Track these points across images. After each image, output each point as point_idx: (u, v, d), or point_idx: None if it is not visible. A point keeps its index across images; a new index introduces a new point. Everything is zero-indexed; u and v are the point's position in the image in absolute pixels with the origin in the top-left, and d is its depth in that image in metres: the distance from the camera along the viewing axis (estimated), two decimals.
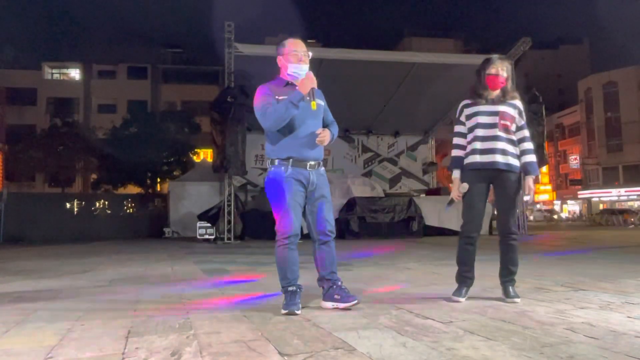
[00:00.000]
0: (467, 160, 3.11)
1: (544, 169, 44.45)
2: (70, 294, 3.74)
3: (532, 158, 3.03)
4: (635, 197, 40.70)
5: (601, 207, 41.93)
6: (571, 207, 50.52)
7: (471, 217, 3.09)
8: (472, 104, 3.13)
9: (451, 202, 3.18)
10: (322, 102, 3.01)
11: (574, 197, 47.23)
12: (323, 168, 3.00)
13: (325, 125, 3.02)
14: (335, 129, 3.09)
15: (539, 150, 14.25)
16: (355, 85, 13.64)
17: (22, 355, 2.02)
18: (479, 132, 3.06)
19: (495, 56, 3.16)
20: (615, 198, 41.81)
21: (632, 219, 27.26)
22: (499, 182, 3.03)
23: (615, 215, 29.41)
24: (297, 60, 2.88)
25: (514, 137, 3.06)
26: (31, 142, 25.41)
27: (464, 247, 3.10)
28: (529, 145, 3.05)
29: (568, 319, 2.48)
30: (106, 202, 18.68)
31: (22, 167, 25.15)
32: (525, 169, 3.02)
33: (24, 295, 3.70)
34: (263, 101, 2.85)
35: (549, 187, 50.23)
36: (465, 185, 3.06)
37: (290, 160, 2.84)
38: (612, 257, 6.17)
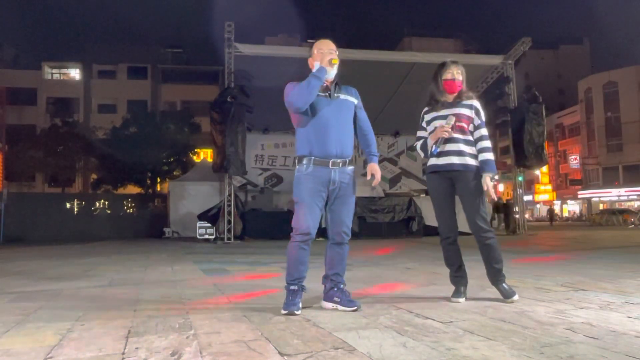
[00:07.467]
0: (428, 164, 3.20)
1: (544, 168, 44.51)
2: (70, 294, 3.74)
3: (488, 156, 3.05)
4: (635, 197, 40.68)
5: (601, 207, 41.90)
6: (571, 207, 50.53)
7: (442, 218, 3.18)
8: (430, 110, 3.21)
9: (439, 141, 3.06)
10: (356, 100, 3.06)
11: (574, 197, 47.24)
12: (351, 167, 2.96)
13: (356, 125, 3.06)
14: (372, 135, 3.15)
15: (539, 150, 14.23)
16: (355, 85, 13.56)
17: (22, 355, 2.02)
18: None
19: (449, 60, 3.24)
20: (615, 198, 41.80)
21: (632, 219, 27.23)
22: (460, 183, 3.08)
23: (615, 215, 29.39)
24: (322, 58, 2.92)
25: (471, 137, 3.10)
26: (31, 142, 25.42)
27: (446, 248, 3.19)
28: (486, 143, 3.08)
29: (568, 319, 2.48)
30: (106, 202, 18.71)
31: (22, 167, 25.15)
32: (481, 167, 3.05)
33: (24, 295, 3.71)
34: (290, 89, 2.87)
35: (549, 187, 50.25)
36: (452, 117, 3.04)
37: (312, 158, 2.84)
38: (612, 257, 6.16)
